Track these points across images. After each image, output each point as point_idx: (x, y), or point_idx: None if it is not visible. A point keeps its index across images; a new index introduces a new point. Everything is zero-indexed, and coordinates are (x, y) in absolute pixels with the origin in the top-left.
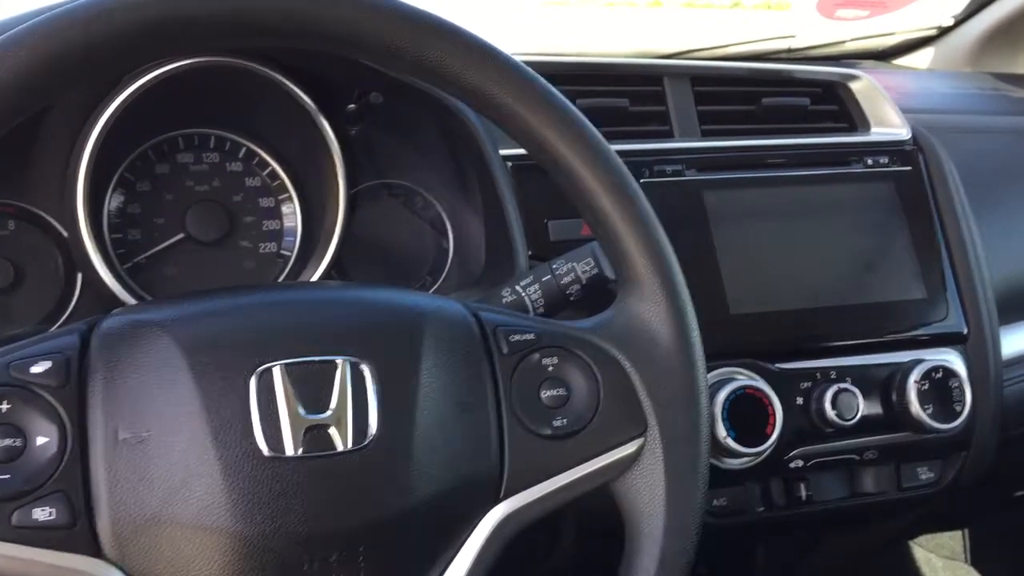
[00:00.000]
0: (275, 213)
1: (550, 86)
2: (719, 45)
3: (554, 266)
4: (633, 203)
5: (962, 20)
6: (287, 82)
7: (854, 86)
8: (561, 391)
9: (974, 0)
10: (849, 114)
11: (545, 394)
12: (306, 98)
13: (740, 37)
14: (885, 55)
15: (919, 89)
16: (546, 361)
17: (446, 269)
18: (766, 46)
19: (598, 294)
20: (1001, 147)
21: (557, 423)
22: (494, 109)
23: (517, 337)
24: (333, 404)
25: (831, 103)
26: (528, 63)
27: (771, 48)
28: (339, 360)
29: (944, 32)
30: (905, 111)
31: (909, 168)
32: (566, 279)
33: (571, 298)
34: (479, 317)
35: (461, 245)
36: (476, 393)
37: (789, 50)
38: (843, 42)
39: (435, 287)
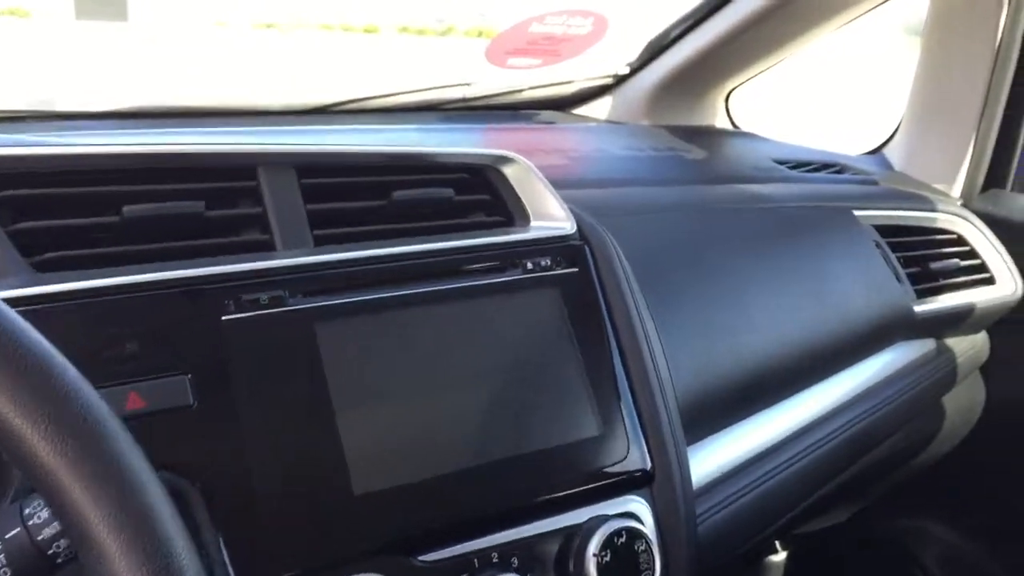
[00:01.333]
0: None
1: None
2: (388, 93)
3: (26, 511)
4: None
5: (637, 69)
6: None
7: (508, 171)
8: None
9: (647, 49)
10: (504, 206)
11: None
12: None
13: (413, 85)
14: (564, 104)
15: (591, 153)
16: None
17: None
18: (439, 95)
19: None
20: (674, 227)
21: None
22: None
23: None
24: None
25: (481, 192)
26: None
27: (445, 97)
28: None
29: (621, 81)
30: (575, 185)
31: (575, 269)
32: (46, 532)
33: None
34: None
35: None
36: None
37: (464, 99)
38: (520, 90)
39: None
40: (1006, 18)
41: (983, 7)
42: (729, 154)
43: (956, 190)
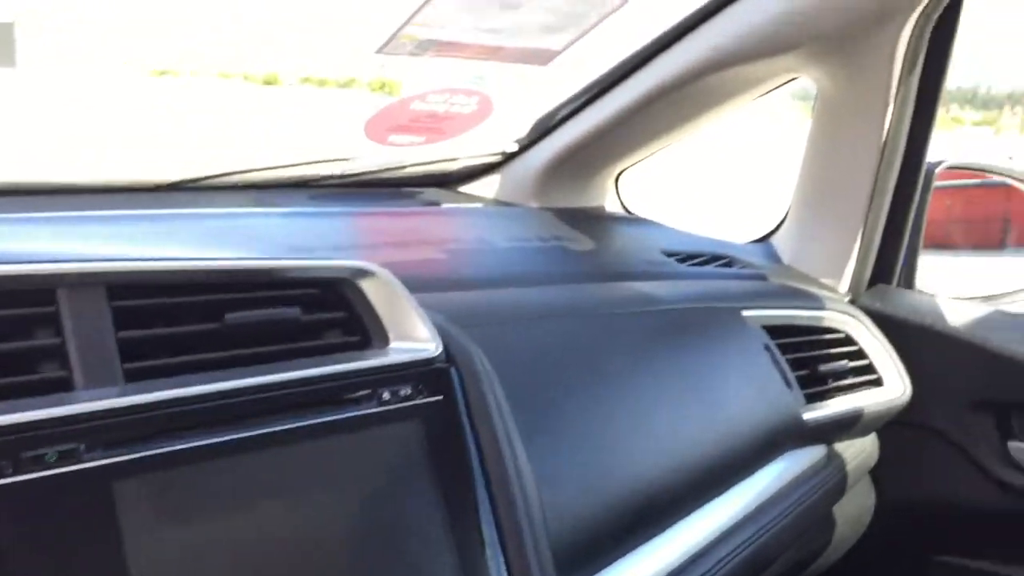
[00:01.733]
0: None
1: None
2: (258, 168)
3: None
4: None
5: (526, 147)
6: None
7: (366, 285)
8: None
9: (536, 127)
10: (360, 325)
11: None
12: None
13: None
14: (451, 181)
15: (471, 245)
16: None
17: None
18: (315, 170)
19: None
20: (553, 335)
21: None
22: None
23: None
24: None
25: (334, 309)
26: None
27: (320, 173)
28: None
29: (510, 158)
30: (449, 286)
31: (439, 397)
32: None
33: None
34: None
35: None
36: None
37: (343, 175)
38: (403, 167)
39: None
40: (892, 111)
41: (870, 99)
42: (617, 245)
43: (844, 284)
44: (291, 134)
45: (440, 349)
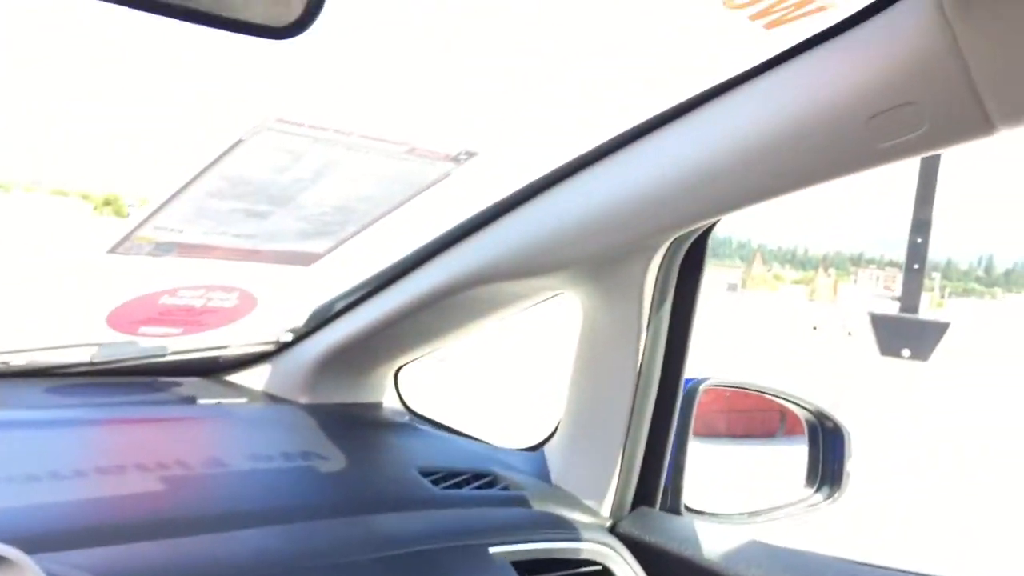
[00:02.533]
0: None
1: None
2: None
3: None
4: None
5: (301, 338)
6: None
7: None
8: None
9: (312, 318)
10: None
11: None
12: None
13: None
14: (219, 369)
15: (202, 467)
16: None
17: None
18: (59, 357)
19: None
20: None
21: None
22: None
23: None
24: None
25: None
26: None
27: (64, 361)
28: None
29: (284, 348)
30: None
31: None
32: None
33: None
34: None
35: None
36: None
37: (92, 363)
38: (162, 354)
39: None
40: (648, 333)
41: (626, 321)
42: (372, 462)
43: (606, 507)
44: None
45: None
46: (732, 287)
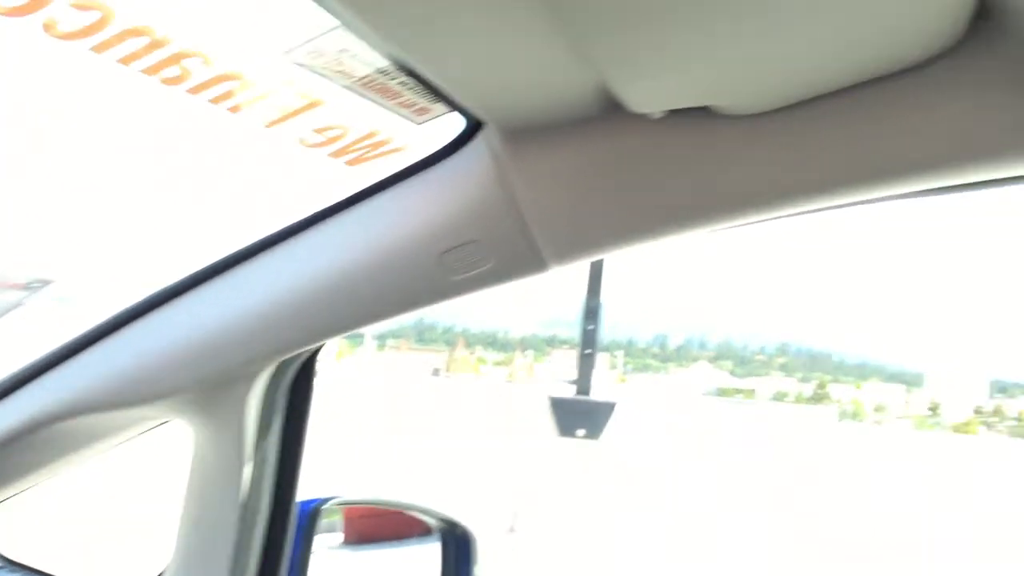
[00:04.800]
0: None
1: None
2: None
3: None
4: None
5: None
6: None
7: None
8: None
9: None
10: None
11: None
12: None
13: None
14: None
15: None
16: None
17: None
18: None
19: None
20: None
21: None
22: None
23: None
24: None
25: None
26: None
27: None
28: None
29: None
30: None
31: None
32: None
33: None
34: None
35: None
36: None
37: None
38: None
39: None
40: (256, 454)
41: (233, 447)
42: None
43: None
44: None
45: None
46: (436, 371)
